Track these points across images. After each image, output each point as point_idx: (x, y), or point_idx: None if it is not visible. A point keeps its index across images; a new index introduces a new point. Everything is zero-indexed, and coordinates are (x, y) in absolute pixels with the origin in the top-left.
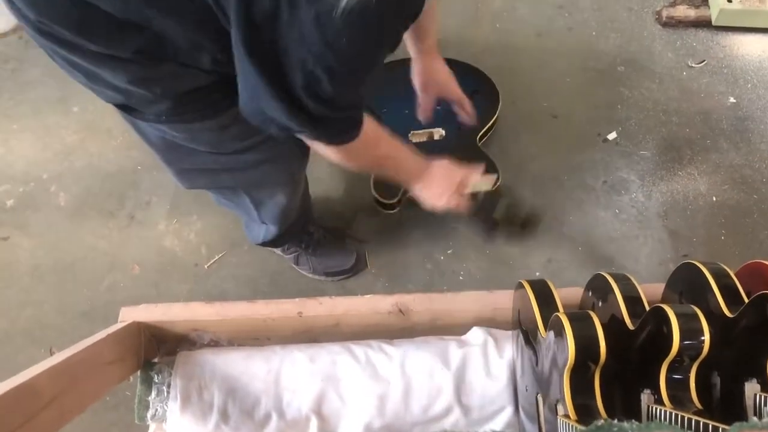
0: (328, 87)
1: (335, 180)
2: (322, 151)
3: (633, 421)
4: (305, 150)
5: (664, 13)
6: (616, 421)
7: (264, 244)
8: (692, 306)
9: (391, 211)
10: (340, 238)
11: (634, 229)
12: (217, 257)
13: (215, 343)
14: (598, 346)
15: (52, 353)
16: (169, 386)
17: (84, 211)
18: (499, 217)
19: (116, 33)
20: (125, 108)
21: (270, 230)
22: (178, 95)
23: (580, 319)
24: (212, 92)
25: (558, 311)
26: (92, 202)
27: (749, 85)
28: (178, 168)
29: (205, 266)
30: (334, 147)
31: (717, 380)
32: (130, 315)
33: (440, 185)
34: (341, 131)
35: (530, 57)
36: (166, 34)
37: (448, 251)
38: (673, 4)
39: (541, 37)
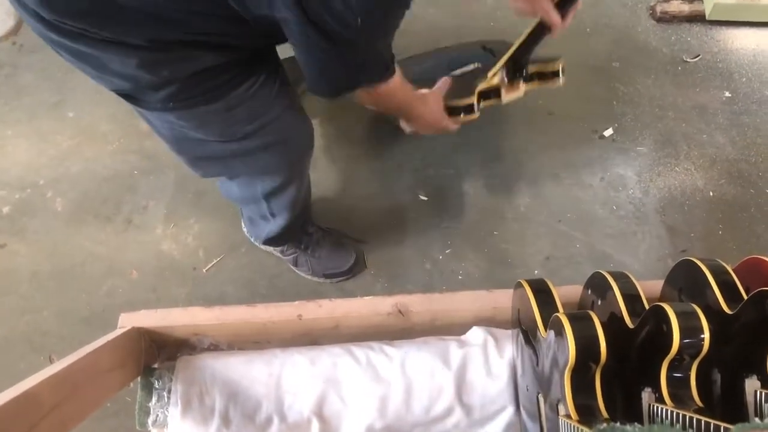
0: (362, 31)
1: (332, 182)
2: (365, 98)
3: (635, 423)
4: (310, 132)
5: (659, 9)
6: (618, 424)
7: (267, 241)
8: (692, 304)
9: (473, 116)
10: (339, 239)
11: (632, 226)
12: (215, 261)
13: (215, 347)
14: (599, 347)
15: (51, 361)
16: (169, 392)
17: (81, 217)
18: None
19: (131, 23)
20: (132, 98)
21: (276, 223)
22: (185, 78)
23: (580, 319)
24: (219, 74)
25: (557, 311)
26: (89, 208)
27: (744, 79)
28: (190, 157)
29: (204, 270)
30: (380, 85)
31: (717, 377)
32: (130, 321)
33: (429, 121)
34: (382, 69)
35: None
36: (180, 21)
37: (447, 251)
38: None
39: None
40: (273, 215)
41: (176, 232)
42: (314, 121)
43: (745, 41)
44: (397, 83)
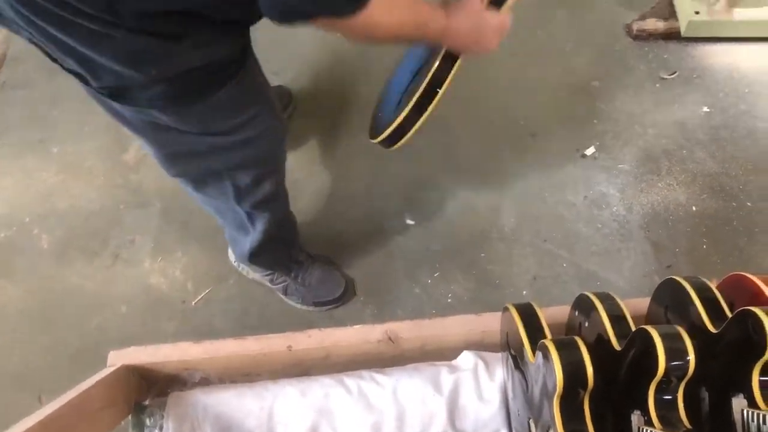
0: None
1: (320, 208)
2: (347, 32)
3: None
4: (284, 129)
5: (635, 27)
6: None
7: (252, 257)
8: (676, 326)
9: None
10: (328, 266)
11: (617, 243)
12: (203, 293)
13: (206, 382)
14: (586, 373)
15: (41, 402)
16: (161, 429)
17: (68, 253)
18: None
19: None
20: (116, 96)
21: (257, 231)
22: (172, 77)
23: (566, 346)
24: (207, 74)
25: (545, 336)
26: (76, 243)
27: (721, 94)
28: (166, 152)
29: (192, 303)
30: (350, 19)
31: (705, 395)
32: (119, 358)
33: (470, 35)
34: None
35: (506, 76)
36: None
37: (435, 274)
38: (642, 18)
39: (515, 56)
40: (252, 220)
41: (164, 266)
42: (300, 149)
43: (720, 57)
44: (379, 9)
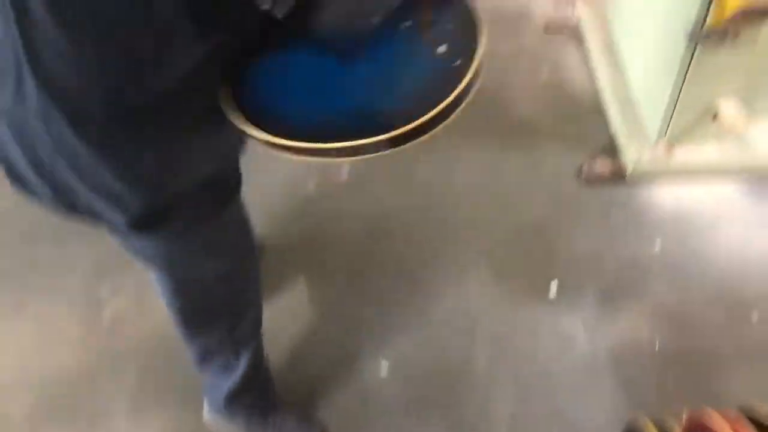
0: None
1: (294, 358)
2: None
3: None
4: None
5: (585, 168)
6: None
7: (230, 399)
8: None
9: None
10: (303, 415)
11: (584, 382)
12: None
13: None
14: None
15: None
16: None
17: (40, 422)
18: None
19: None
20: (139, 227)
21: (241, 367)
22: (190, 196)
23: None
24: (219, 188)
25: None
26: (49, 410)
27: (670, 232)
28: (177, 278)
29: None
30: None
31: None
32: None
33: None
34: None
35: (465, 227)
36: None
37: (411, 420)
38: (592, 158)
39: (471, 199)
40: (238, 355)
41: (139, 427)
42: (272, 297)
43: (666, 196)
44: None
